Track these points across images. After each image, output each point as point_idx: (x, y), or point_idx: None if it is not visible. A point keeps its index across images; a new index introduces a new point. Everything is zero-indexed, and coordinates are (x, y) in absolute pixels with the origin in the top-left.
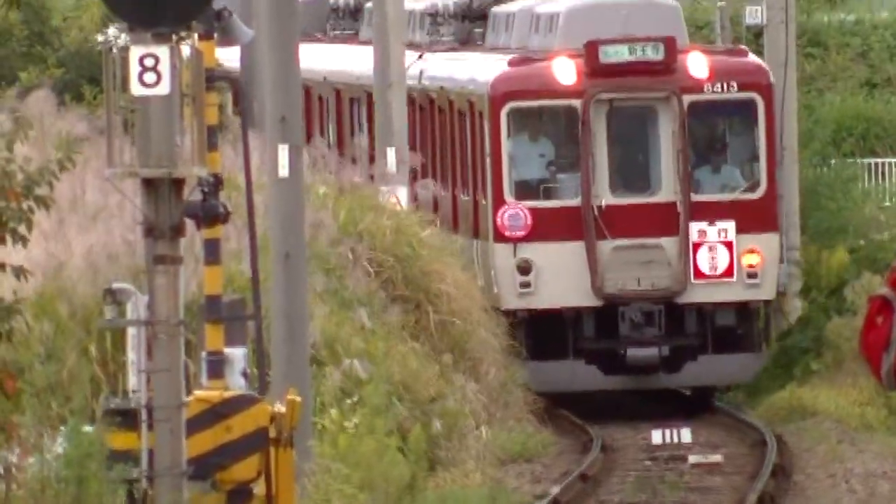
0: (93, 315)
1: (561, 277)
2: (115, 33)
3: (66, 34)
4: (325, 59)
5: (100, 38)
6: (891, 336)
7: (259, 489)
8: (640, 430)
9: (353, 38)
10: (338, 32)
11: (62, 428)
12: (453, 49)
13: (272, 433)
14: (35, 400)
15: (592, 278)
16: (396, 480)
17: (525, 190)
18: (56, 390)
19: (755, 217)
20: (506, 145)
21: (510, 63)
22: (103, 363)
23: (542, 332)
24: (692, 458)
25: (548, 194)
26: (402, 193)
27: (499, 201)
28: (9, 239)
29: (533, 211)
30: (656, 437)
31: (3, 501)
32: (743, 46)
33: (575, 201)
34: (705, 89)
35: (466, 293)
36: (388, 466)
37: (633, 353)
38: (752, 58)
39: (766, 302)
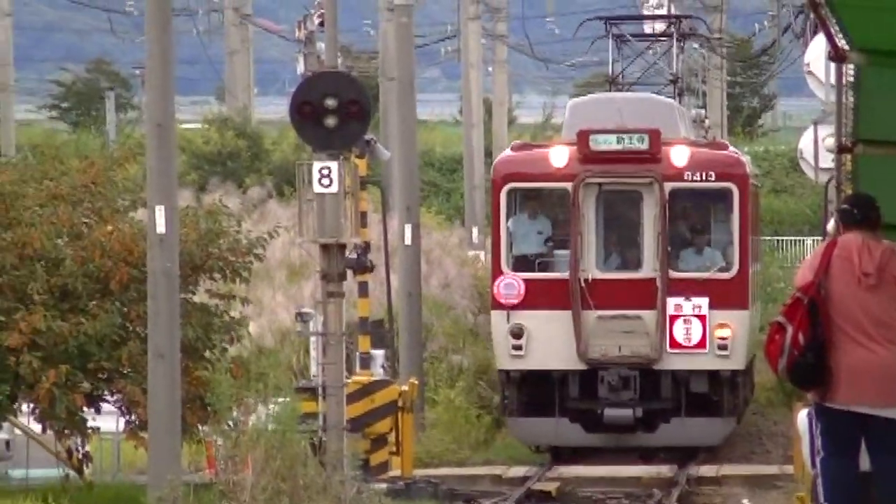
0: (290, 329)
1: (549, 342)
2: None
3: (272, 154)
4: None
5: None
6: (783, 346)
7: (391, 438)
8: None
9: None
10: None
11: (271, 399)
12: None
13: (400, 403)
14: (252, 381)
15: (577, 344)
16: (474, 436)
17: (521, 262)
18: (266, 375)
19: (727, 295)
20: (504, 222)
21: (512, 148)
22: (296, 358)
23: (531, 391)
24: None
25: (542, 267)
26: (481, 255)
27: (496, 272)
28: (237, 280)
29: (527, 281)
30: None
31: (234, 443)
32: (724, 140)
33: (564, 274)
34: (685, 177)
35: None
36: (469, 427)
37: (610, 413)
38: (732, 150)
39: (737, 371)
